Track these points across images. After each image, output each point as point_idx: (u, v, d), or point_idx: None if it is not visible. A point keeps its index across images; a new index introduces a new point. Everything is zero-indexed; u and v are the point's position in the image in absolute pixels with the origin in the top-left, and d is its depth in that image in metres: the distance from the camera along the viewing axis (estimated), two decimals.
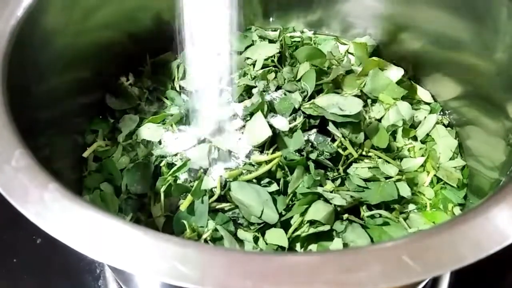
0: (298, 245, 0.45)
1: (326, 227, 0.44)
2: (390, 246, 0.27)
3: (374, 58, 0.62)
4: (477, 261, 0.27)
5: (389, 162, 0.52)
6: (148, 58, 0.63)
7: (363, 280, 0.25)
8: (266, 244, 0.45)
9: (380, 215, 0.48)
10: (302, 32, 0.69)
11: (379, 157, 0.53)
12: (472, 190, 0.51)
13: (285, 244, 0.44)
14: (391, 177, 0.50)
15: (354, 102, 0.53)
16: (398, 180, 0.50)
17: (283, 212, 0.46)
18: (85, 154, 0.53)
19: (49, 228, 0.28)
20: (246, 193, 0.46)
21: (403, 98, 0.58)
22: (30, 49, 0.43)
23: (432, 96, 0.61)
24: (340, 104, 0.53)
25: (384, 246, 0.27)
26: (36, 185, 0.31)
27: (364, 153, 0.53)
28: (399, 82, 0.59)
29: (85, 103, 0.56)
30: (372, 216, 0.48)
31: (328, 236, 0.45)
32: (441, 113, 0.59)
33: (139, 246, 0.27)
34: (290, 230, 0.45)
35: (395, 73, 0.60)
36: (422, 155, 0.55)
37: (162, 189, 0.48)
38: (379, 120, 0.57)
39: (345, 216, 0.46)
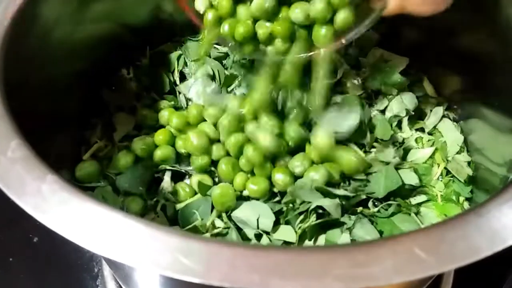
0: (306, 241, 0.44)
1: (335, 218, 0.43)
2: (402, 239, 0.26)
3: (376, 48, 0.61)
4: (481, 264, 0.26)
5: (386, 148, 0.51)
6: (148, 50, 0.62)
7: (375, 275, 0.24)
8: (270, 241, 0.43)
9: (390, 206, 0.47)
10: None
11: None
12: (478, 186, 0.50)
13: (294, 239, 0.43)
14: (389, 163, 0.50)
15: (350, 117, 0.51)
16: (399, 165, 0.50)
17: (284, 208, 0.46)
18: (84, 157, 0.52)
19: (47, 221, 0.27)
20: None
21: (410, 90, 0.57)
22: (28, 39, 0.42)
23: (436, 89, 0.59)
24: (336, 122, 0.51)
25: (396, 240, 0.26)
26: (33, 177, 0.29)
27: (367, 149, 0.52)
28: (404, 73, 0.59)
29: (82, 96, 0.55)
30: (380, 210, 0.47)
31: (336, 229, 0.44)
32: (447, 107, 0.58)
33: (141, 239, 0.26)
34: (297, 222, 0.44)
35: (399, 63, 0.59)
36: (431, 147, 0.53)
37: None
38: (383, 111, 0.56)
39: (359, 209, 0.45)
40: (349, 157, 0.47)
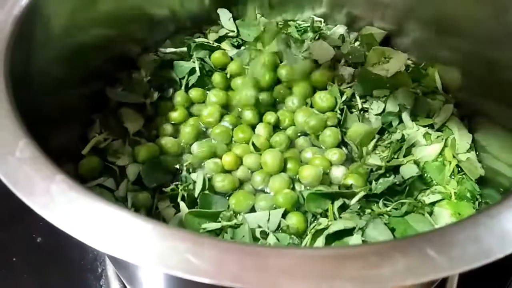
0: (319, 239, 0.43)
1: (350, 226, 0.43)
2: (414, 241, 0.26)
3: (378, 46, 0.61)
4: (486, 266, 0.25)
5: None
6: (156, 52, 0.62)
7: (387, 276, 0.24)
8: (278, 240, 0.43)
9: (402, 205, 0.46)
10: (312, 19, 0.67)
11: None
12: (487, 185, 0.50)
13: (302, 228, 0.43)
14: (380, 167, 0.50)
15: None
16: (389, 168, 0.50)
17: None
18: (84, 152, 0.52)
19: (56, 221, 0.27)
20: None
21: (418, 87, 0.57)
22: (33, 40, 0.42)
23: (444, 87, 0.59)
24: None
25: (407, 241, 0.26)
26: (42, 177, 0.29)
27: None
28: (412, 70, 0.59)
29: (86, 95, 0.55)
30: (392, 209, 0.47)
31: (348, 231, 0.44)
32: (455, 105, 0.57)
33: (149, 238, 0.26)
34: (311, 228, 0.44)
35: (399, 60, 0.59)
36: (439, 143, 0.53)
37: None
38: (380, 114, 0.56)
39: (367, 211, 0.45)
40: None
